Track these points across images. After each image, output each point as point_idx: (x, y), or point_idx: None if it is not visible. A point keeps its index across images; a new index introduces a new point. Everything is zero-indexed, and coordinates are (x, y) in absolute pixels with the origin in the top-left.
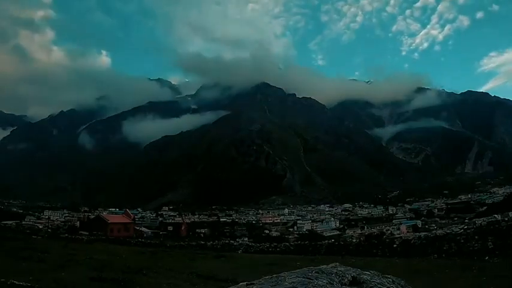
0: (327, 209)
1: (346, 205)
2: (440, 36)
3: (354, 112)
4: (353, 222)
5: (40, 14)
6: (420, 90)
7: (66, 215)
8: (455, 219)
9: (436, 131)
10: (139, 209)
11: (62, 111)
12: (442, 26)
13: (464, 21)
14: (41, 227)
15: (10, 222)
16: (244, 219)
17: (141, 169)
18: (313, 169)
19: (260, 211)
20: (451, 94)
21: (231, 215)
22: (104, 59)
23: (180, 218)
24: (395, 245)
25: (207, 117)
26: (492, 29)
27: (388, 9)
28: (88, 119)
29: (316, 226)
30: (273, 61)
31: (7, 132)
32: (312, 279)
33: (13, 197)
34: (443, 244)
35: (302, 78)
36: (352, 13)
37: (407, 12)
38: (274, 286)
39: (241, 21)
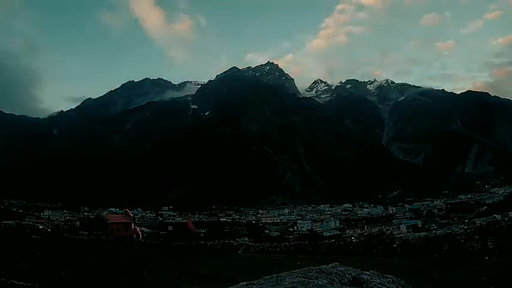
0: (327, 209)
1: (346, 205)
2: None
3: (354, 112)
4: (353, 222)
5: None
6: (420, 90)
7: (66, 215)
8: (455, 219)
9: (436, 131)
10: (139, 209)
11: (62, 111)
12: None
13: None
14: (41, 227)
15: (10, 222)
16: (244, 219)
17: (141, 169)
18: (313, 169)
19: (260, 211)
20: (451, 94)
21: (231, 215)
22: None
23: (180, 218)
24: (395, 245)
25: (207, 117)
26: None
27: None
28: (88, 118)
29: (316, 226)
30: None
31: (7, 132)
32: (312, 279)
33: (13, 197)
34: (443, 244)
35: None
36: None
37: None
38: (274, 286)
39: None
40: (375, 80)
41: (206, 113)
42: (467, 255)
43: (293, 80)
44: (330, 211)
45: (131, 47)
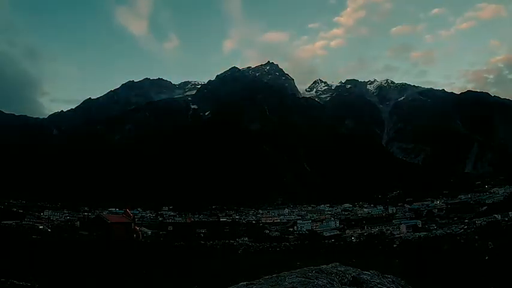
0: (327, 209)
1: (346, 205)
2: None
3: (354, 112)
4: (353, 222)
5: None
6: (420, 90)
7: (66, 215)
8: (455, 219)
9: (436, 130)
10: (139, 209)
11: (62, 111)
12: None
13: None
14: (41, 227)
15: (10, 222)
16: (244, 219)
17: (141, 169)
18: (313, 169)
19: (260, 211)
20: (451, 94)
21: (231, 215)
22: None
23: (180, 218)
24: (395, 245)
25: (207, 117)
26: None
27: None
28: (88, 118)
29: (316, 226)
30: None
31: (7, 132)
32: (312, 279)
33: (13, 197)
34: (443, 244)
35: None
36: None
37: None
38: (274, 286)
39: None
40: (375, 80)
41: (206, 113)
42: (467, 255)
43: (293, 80)
44: (330, 211)
45: (131, 48)
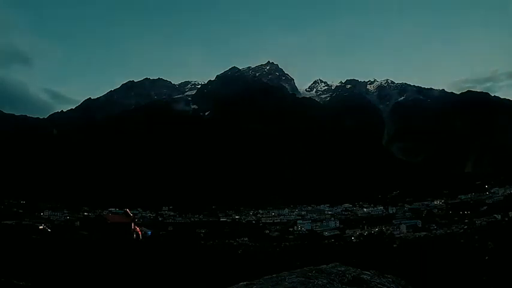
0: (327, 209)
1: (346, 205)
2: None
3: (354, 112)
4: (353, 223)
5: None
6: (421, 90)
7: (66, 215)
8: (455, 219)
9: (436, 131)
10: (139, 209)
11: (62, 111)
12: None
13: None
14: (41, 227)
15: (10, 222)
16: (244, 219)
17: (141, 169)
18: (313, 169)
19: (260, 211)
20: (451, 94)
21: (231, 215)
22: None
23: (180, 218)
24: (395, 245)
25: (207, 117)
26: None
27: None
28: (88, 118)
29: (316, 226)
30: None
31: (7, 132)
32: (312, 279)
33: (13, 197)
34: (443, 244)
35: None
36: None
37: None
38: (274, 286)
39: None
40: (375, 79)
41: (206, 113)
42: (467, 255)
43: (293, 79)
44: (330, 211)
45: (131, 47)
